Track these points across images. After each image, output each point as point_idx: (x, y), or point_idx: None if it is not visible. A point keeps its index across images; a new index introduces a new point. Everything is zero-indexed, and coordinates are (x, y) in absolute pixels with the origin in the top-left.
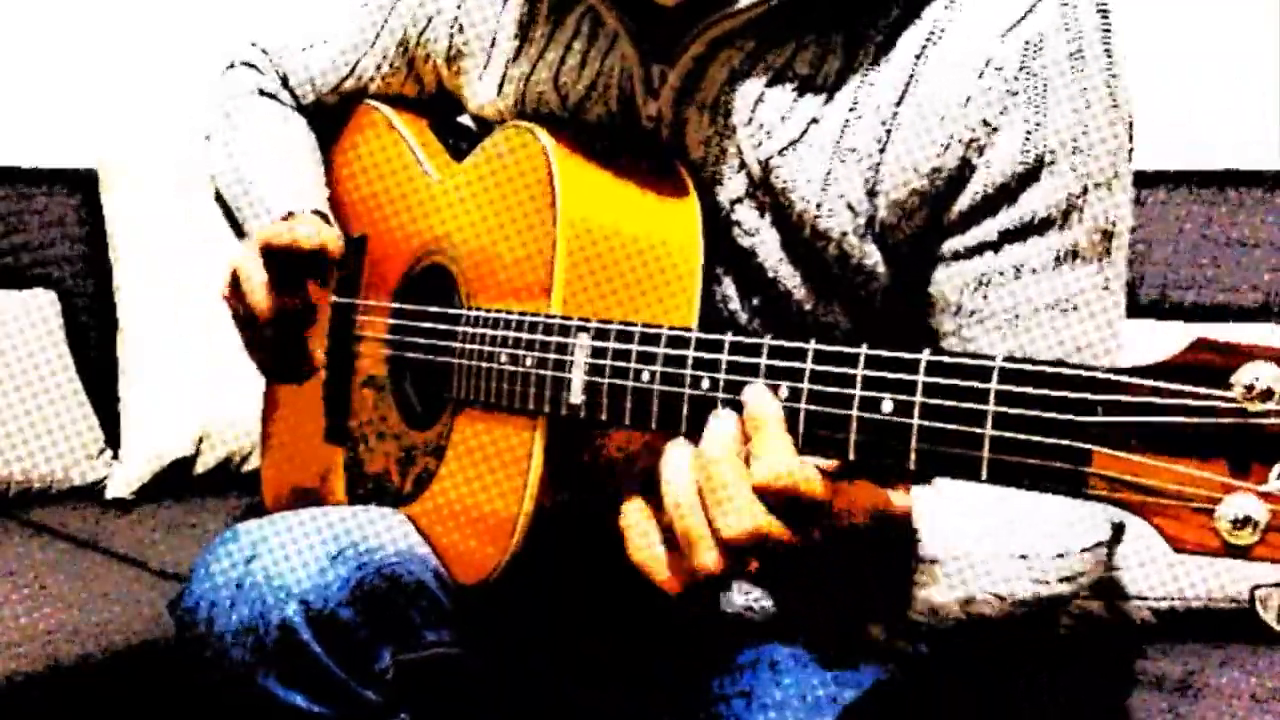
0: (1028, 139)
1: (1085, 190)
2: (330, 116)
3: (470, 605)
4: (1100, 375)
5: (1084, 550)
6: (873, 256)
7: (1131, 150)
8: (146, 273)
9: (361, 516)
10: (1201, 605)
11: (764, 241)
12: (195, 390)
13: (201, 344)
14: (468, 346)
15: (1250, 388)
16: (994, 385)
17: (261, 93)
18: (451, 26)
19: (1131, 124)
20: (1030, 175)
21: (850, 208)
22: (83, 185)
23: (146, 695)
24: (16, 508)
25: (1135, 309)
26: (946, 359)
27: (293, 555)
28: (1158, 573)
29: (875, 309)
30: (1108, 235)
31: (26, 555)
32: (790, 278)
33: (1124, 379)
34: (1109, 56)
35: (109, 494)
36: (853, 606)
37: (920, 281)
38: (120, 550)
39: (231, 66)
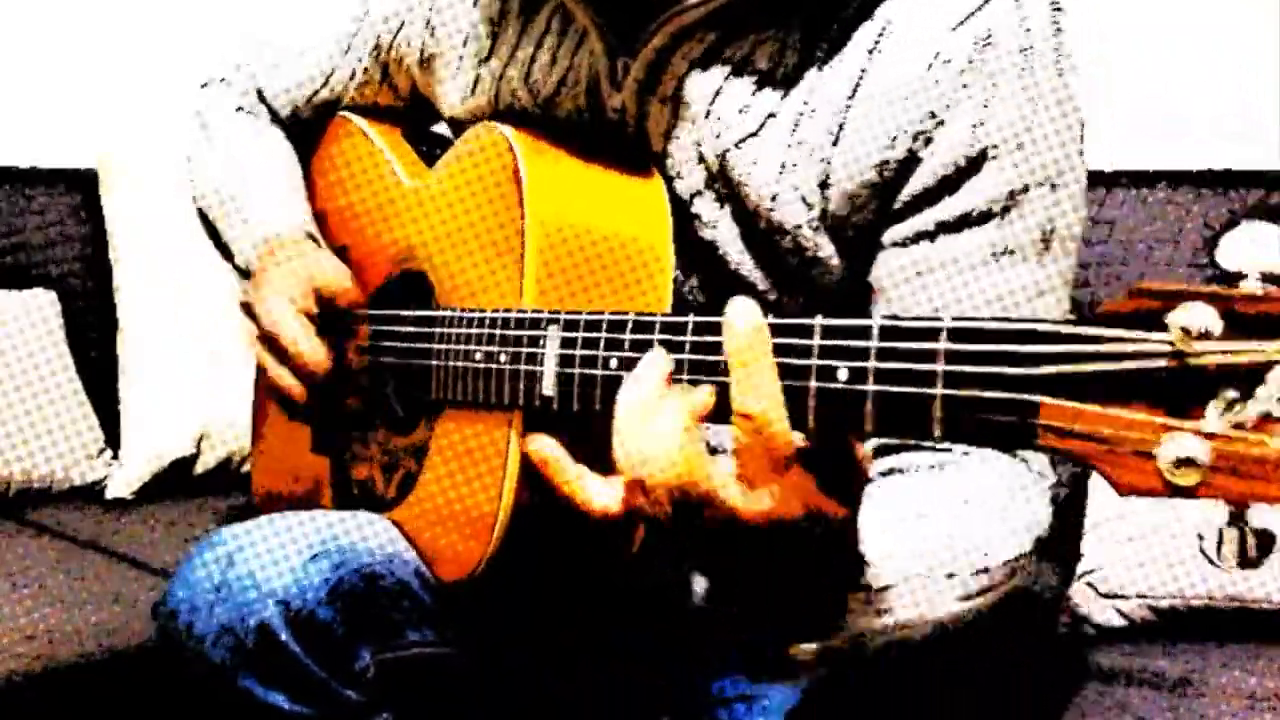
0: (972, 131)
1: (1027, 188)
2: (308, 129)
3: (455, 605)
4: (1044, 328)
5: (1005, 563)
6: (827, 249)
7: (1082, 154)
8: (146, 273)
9: (342, 518)
10: (1202, 605)
11: (723, 234)
12: (195, 390)
13: (201, 344)
14: (444, 347)
15: (1186, 329)
16: (943, 345)
17: (239, 110)
18: (424, 30)
19: (1082, 127)
20: (972, 167)
21: (804, 200)
22: (83, 185)
23: (146, 695)
24: (16, 508)
25: None
26: (898, 323)
27: (271, 557)
28: (1158, 573)
29: (834, 300)
30: (1048, 237)
31: (26, 555)
32: (750, 270)
33: (1067, 330)
34: (1059, 56)
35: (109, 494)
36: (782, 617)
37: (867, 277)
38: (120, 550)
39: (207, 85)
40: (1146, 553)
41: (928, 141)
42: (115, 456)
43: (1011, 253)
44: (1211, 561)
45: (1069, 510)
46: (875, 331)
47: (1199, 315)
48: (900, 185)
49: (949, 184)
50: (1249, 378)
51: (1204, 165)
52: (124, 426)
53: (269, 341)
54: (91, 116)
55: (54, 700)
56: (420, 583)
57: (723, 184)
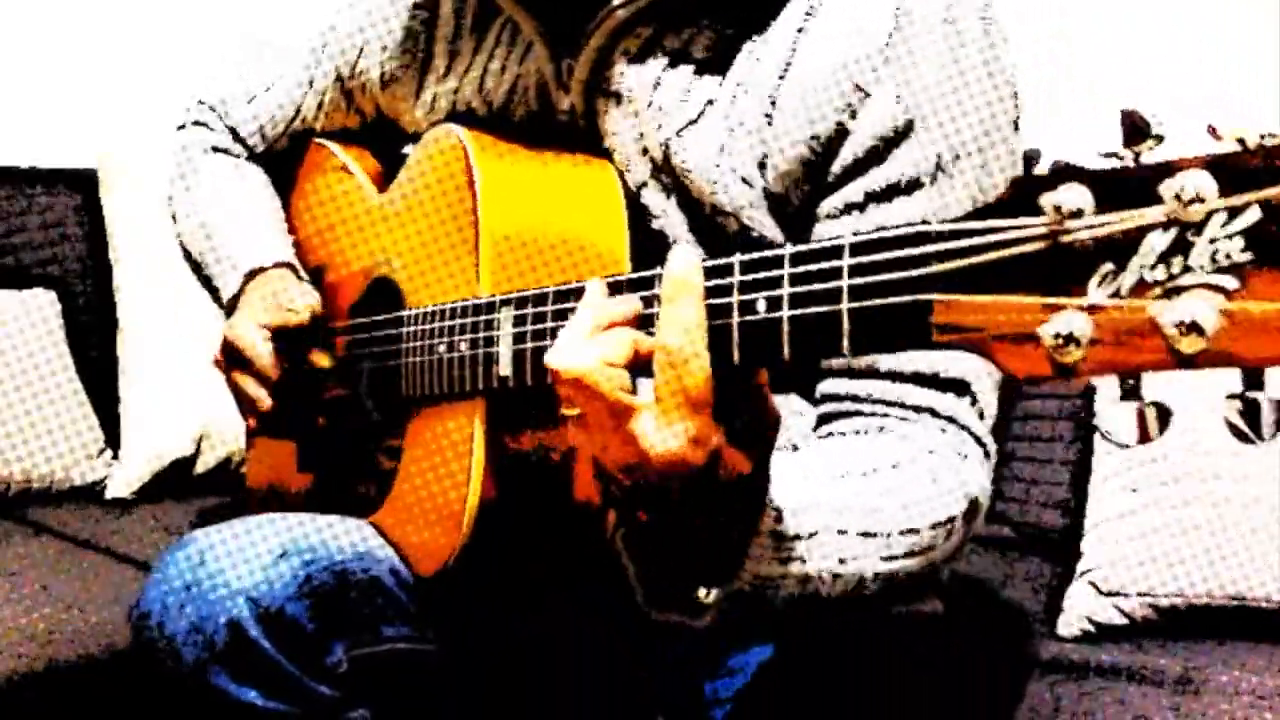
0: (897, 101)
1: (956, 157)
2: (285, 159)
3: (433, 602)
4: (933, 228)
5: (934, 525)
6: (772, 230)
7: (1016, 125)
8: (146, 273)
9: (315, 520)
10: (1202, 604)
11: (672, 223)
12: (195, 390)
13: (201, 344)
14: (411, 345)
15: (1059, 208)
16: (846, 261)
17: (214, 149)
18: (382, 54)
19: (1015, 98)
20: (899, 137)
21: (744, 181)
22: (83, 185)
23: (146, 695)
24: (16, 508)
25: None
26: (806, 247)
27: (242, 556)
28: (1159, 572)
29: None
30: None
31: (26, 555)
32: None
33: (952, 227)
34: (986, 26)
35: (109, 494)
36: (685, 557)
37: None
38: (120, 550)
39: (183, 127)
40: (1147, 552)
41: (855, 114)
42: (115, 456)
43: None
44: (1111, 441)
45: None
46: (786, 259)
47: (1070, 194)
48: (830, 158)
49: (876, 155)
50: (1123, 248)
51: None
52: (124, 426)
53: (234, 357)
54: (91, 116)
55: (54, 700)
56: (395, 580)
57: (667, 173)
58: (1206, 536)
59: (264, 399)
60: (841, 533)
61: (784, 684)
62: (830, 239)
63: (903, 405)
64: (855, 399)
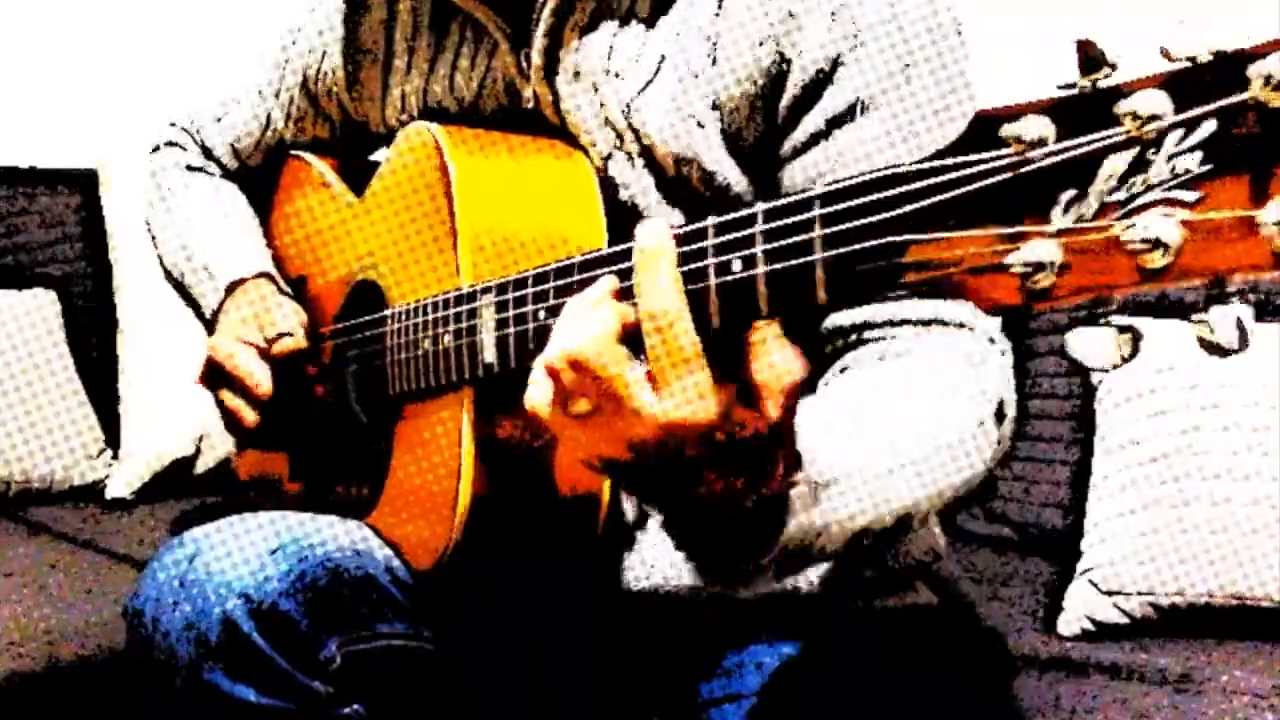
0: (833, 20)
1: (907, 66)
2: (261, 173)
3: (428, 599)
4: (902, 169)
5: (964, 439)
6: (735, 174)
7: (961, 36)
8: (146, 273)
9: (307, 517)
10: (1203, 603)
11: (641, 191)
12: (195, 390)
13: (201, 344)
14: (395, 343)
15: (1020, 138)
16: (817, 211)
17: (189, 168)
18: (343, 57)
19: (956, 19)
20: (841, 57)
21: (700, 125)
22: (83, 185)
23: (145, 694)
24: (16, 508)
25: (1135, 307)
26: (778, 203)
27: (234, 553)
28: (1157, 572)
29: None
30: (943, 111)
31: (26, 555)
32: (673, 221)
33: (919, 166)
34: None
35: (109, 494)
36: (722, 527)
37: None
38: (120, 550)
39: (157, 149)
40: (1147, 552)
41: (792, 42)
42: (115, 456)
43: (908, 131)
44: (1085, 367)
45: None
46: (759, 216)
47: (1030, 123)
48: (779, 91)
49: (824, 78)
50: (1084, 173)
51: None
52: (124, 426)
53: (218, 374)
54: (91, 116)
55: (54, 700)
56: (390, 577)
57: (631, 139)
58: (1206, 536)
59: (249, 415)
60: (877, 472)
61: (784, 684)
62: (800, 191)
63: (909, 322)
64: (861, 327)
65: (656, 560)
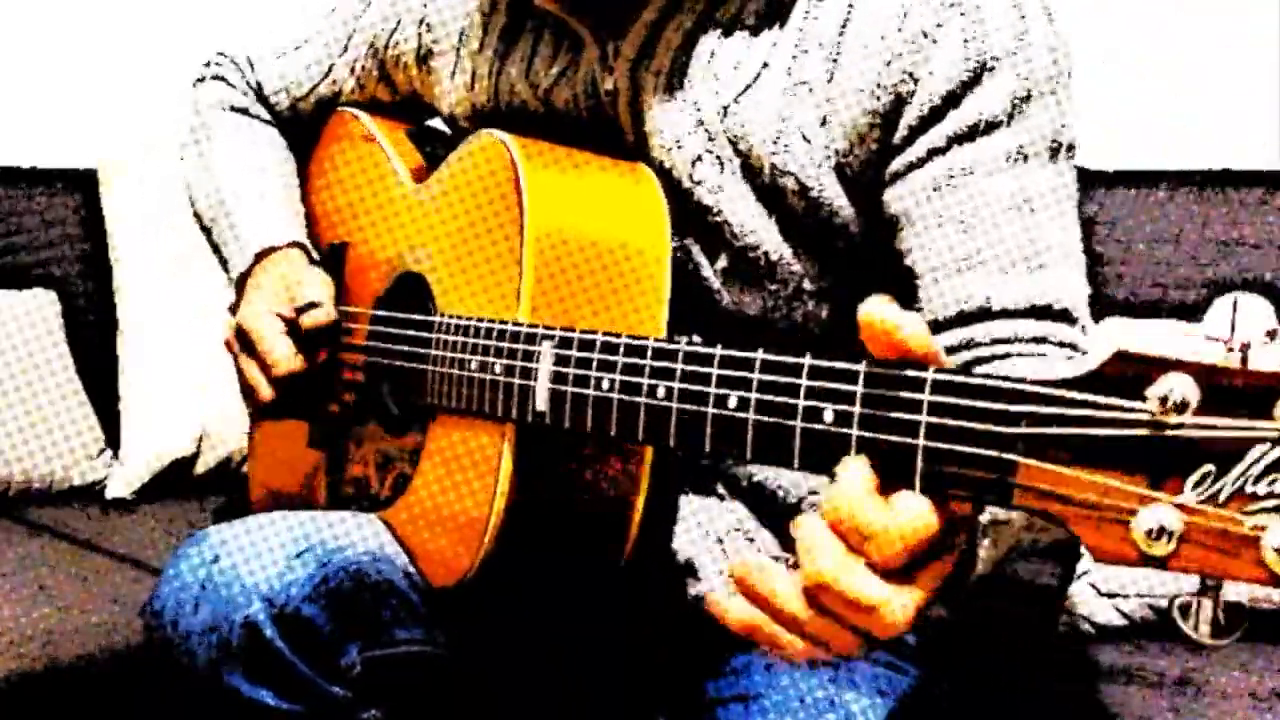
0: (966, 46)
1: (1029, 95)
2: (306, 124)
3: (445, 606)
4: (1026, 387)
5: None
6: (834, 191)
7: (1070, 72)
8: (146, 273)
9: (330, 518)
10: None
11: (728, 196)
12: (195, 390)
13: (201, 344)
14: (441, 354)
15: (1164, 399)
16: (926, 396)
17: (233, 108)
18: (420, 26)
19: (1070, 56)
20: (973, 81)
21: (805, 139)
22: (83, 185)
23: (146, 695)
24: (16, 508)
25: (1134, 309)
26: (882, 370)
27: (257, 555)
28: (1158, 572)
29: (843, 257)
30: (1056, 146)
31: (26, 555)
32: (756, 229)
33: (1047, 390)
34: None
35: (109, 494)
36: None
37: (884, 224)
38: (120, 550)
39: (202, 80)
40: None
41: (922, 63)
42: (115, 456)
43: (1026, 158)
44: (1183, 631)
45: None
46: (861, 377)
47: (1178, 385)
48: (899, 111)
49: (953, 99)
50: (1226, 453)
51: (1204, 165)
52: (124, 426)
53: (243, 340)
54: (91, 116)
55: (54, 700)
56: (409, 583)
57: (724, 142)
58: None
59: (265, 391)
60: None
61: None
62: (912, 369)
63: (1020, 340)
64: (970, 344)
65: (680, 570)
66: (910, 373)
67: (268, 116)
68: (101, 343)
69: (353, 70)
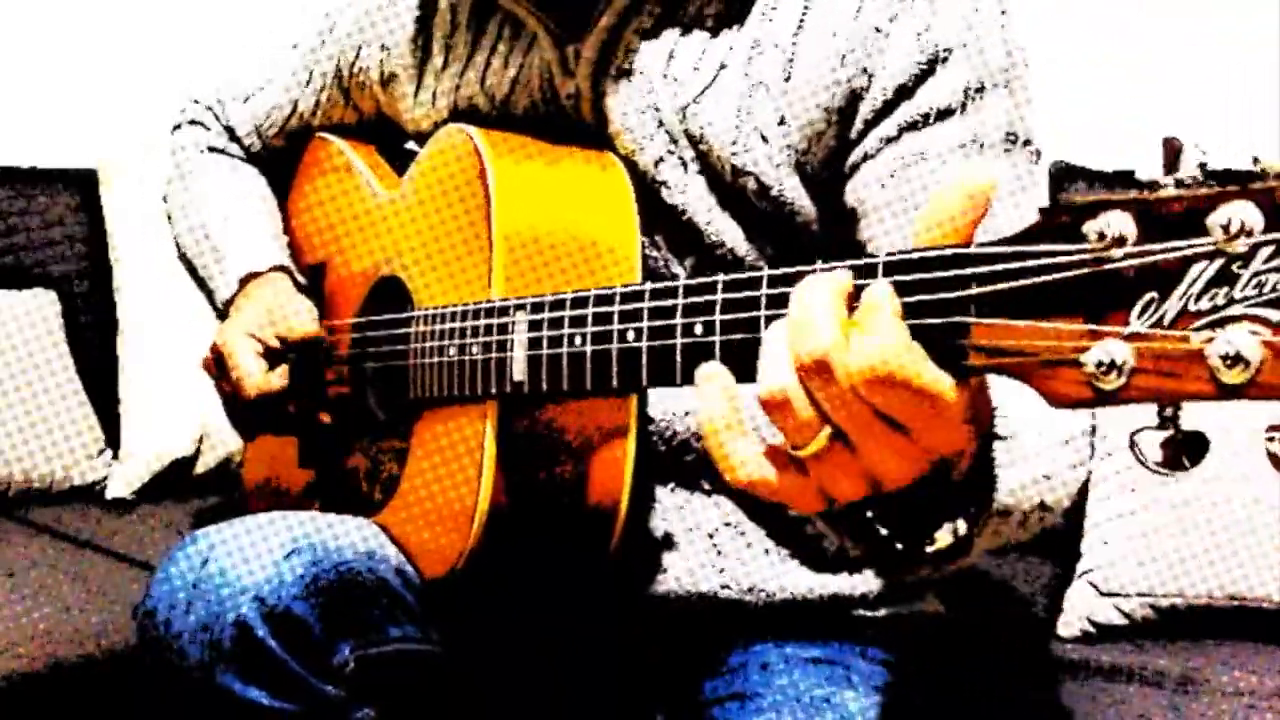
0: (919, 38)
1: (982, 87)
2: (282, 156)
3: (438, 603)
4: (971, 250)
5: (1084, 432)
6: (794, 189)
7: (1027, 66)
8: (146, 273)
9: (321, 519)
10: (1202, 604)
11: (692, 195)
12: (195, 390)
13: (201, 344)
14: (420, 346)
15: (1102, 234)
16: (880, 278)
17: (210, 149)
18: (381, 52)
19: (1024, 49)
20: (926, 72)
21: (764, 139)
22: (83, 185)
23: (145, 695)
24: (16, 508)
25: None
26: (837, 265)
27: (248, 555)
28: (1158, 572)
29: (808, 254)
30: (1012, 138)
31: (26, 555)
32: (721, 229)
33: (991, 250)
34: None
35: (109, 494)
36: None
37: (844, 218)
38: (120, 550)
39: (179, 127)
40: (1147, 552)
41: (876, 58)
42: (115, 456)
43: (981, 147)
44: (1144, 465)
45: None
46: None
47: (1114, 221)
48: (855, 107)
49: (905, 91)
50: (1166, 277)
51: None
52: (124, 426)
53: (219, 361)
54: (91, 116)
55: (54, 700)
56: (401, 581)
57: (685, 143)
58: (1206, 536)
59: (238, 411)
60: (1046, 425)
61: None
62: (864, 256)
63: None
64: None
65: (671, 565)
66: (863, 260)
67: (243, 155)
68: (101, 343)
69: (318, 101)
